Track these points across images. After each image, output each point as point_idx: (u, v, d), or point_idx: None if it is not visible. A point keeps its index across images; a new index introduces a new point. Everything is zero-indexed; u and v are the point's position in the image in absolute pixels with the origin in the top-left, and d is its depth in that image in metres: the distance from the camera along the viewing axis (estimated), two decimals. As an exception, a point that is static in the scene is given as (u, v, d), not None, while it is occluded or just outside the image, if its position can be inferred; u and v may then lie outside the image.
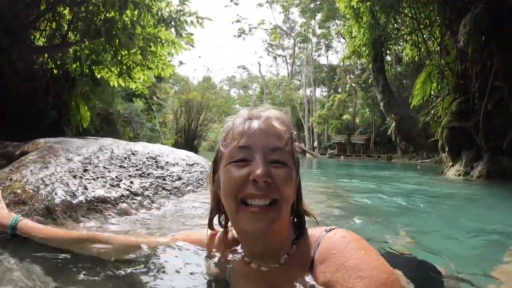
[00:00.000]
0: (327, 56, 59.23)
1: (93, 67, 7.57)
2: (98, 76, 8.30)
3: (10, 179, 1.71)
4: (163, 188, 2.46)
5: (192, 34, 8.20)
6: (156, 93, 33.88)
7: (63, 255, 1.17)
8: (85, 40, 6.46)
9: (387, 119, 19.94)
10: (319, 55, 55.38)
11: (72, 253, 1.18)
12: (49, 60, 6.47)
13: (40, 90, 5.75)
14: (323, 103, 49.32)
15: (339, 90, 48.00)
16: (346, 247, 0.88)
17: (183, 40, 8.49)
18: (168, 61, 9.09)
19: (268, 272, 1.01)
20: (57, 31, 6.47)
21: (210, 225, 1.16)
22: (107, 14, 6.58)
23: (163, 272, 1.13)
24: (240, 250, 1.11)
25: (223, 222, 1.16)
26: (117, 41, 6.75)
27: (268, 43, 60.70)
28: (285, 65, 63.06)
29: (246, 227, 0.96)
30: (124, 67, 8.17)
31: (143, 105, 32.98)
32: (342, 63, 40.95)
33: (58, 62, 6.51)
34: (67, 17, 6.80)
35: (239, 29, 57.26)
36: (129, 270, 1.12)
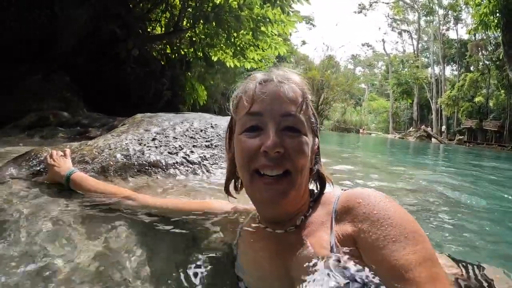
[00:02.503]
0: (456, 30, 51.27)
1: (208, 50, 8.27)
2: (215, 59, 9.03)
3: (86, 144, 2.06)
4: (226, 160, 2.57)
5: (298, 12, 8.21)
6: (278, 72, 34.80)
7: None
8: (195, 26, 7.10)
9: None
10: (447, 29, 48.70)
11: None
12: (167, 46, 7.36)
13: (156, 73, 6.62)
14: (453, 83, 43.46)
15: (471, 68, 41.33)
16: (369, 196, 0.89)
17: (293, 18, 8.56)
18: (281, 40, 9.26)
19: (283, 234, 1.02)
20: (171, 20, 7.26)
21: (227, 190, 1.17)
22: (215, 1, 7.05)
23: (182, 233, 1.26)
24: (254, 216, 1.15)
25: (238, 187, 1.17)
26: (226, 24, 7.20)
27: (391, 18, 55.90)
28: (411, 41, 57.17)
29: (259, 197, 0.98)
30: (238, 48, 8.67)
31: (266, 84, 34.24)
32: (473, 37, 34.92)
33: (174, 48, 7.34)
34: (179, 7, 7.55)
35: (359, 5, 54.76)
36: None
